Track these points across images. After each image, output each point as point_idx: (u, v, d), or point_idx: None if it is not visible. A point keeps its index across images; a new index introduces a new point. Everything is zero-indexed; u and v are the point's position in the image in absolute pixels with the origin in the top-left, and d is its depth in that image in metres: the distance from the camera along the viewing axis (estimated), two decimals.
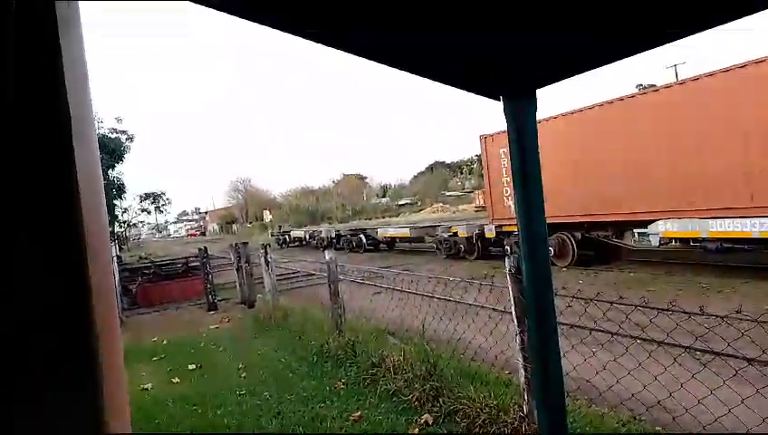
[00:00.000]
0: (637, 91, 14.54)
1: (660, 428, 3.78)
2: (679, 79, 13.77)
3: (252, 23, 0.88)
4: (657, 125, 10.11)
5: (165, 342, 8.23)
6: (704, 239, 9.58)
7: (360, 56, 1.10)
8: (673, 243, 10.37)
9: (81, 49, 0.63)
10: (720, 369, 4.17)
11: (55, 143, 0.56)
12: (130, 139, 19.99)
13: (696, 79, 9.63)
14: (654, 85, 15.37)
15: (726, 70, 8.92)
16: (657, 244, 10.46)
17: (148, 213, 25.87)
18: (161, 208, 25.72)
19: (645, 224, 10.57)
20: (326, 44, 1.02)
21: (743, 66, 8.72)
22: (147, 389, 5.85)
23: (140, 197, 24.07)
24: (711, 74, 9.22)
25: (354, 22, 0.97)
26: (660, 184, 10.05)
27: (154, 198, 24.51)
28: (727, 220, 8.98)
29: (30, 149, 0.55)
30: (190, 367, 6.59)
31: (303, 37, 0.97)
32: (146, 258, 18.97)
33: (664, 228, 10.09)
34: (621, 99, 11.21)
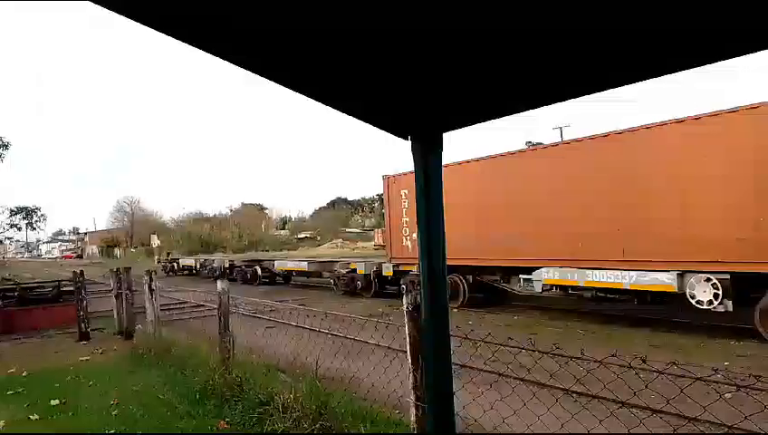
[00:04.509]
0: (526, 147, 15.74)
1: None
2: (563, 139, 15.11)
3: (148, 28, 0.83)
4: (542, 179, 10.94)
5: (24, 374, 7.32)
6: (581, 288, 10.38)
7: (270, 79, 1.07)
8: (554, 290, 11.11)
9: None
10: (596, 411, 4.46)
11: None
12: (5, 146, 18.17)
13: (578, 140, 10.62)
14: (541, 143, 16.74)
15: (605, 135, 9.93)
16: (540, 290, 11.17)
17: (19, 229, 23.31)
18: (35, 225, 23.33)
19: (530, 271, 11.27)
20: (236, 63, 0.97)
21: (609, 134, 9.85)
22: None
23: (11, 210, 21.65)
24: (591, 138, 10.21)
25: (266, 38, 0.94)
26: (544, 233, 10.81)
27: (27, 212, 22.16)
28: (602, 271, 9.82)
29: None
30: (53, 402, 5.88)
31: (213, 54, 0.92)
32: (10, 279, 16.98)
33: (546, 276, 10.82)
34: (513, 153, 12.06)
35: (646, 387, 3.84)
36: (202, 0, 0.79)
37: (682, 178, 8.72)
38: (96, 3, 0.69)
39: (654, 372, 4.91)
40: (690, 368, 4.86)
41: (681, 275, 8.77)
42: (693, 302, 8.59)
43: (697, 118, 8.56)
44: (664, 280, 8.92)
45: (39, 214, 22.74)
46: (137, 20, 0.78)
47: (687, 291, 8.66)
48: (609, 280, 9.72)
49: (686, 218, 8.64)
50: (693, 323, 9.38)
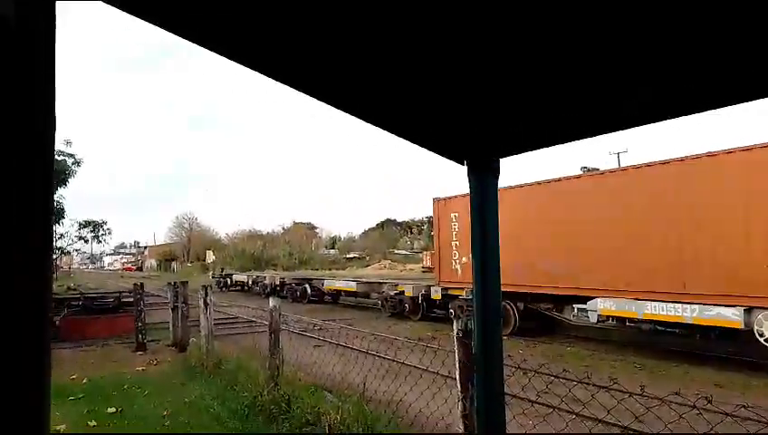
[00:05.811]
0: (582, 172, 15.37)
1: None
2: (621, 165, 14.67)
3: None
4: (598, 206, 10.61)
5: (85, 381, 7.66)
6: (639, 320, 9.92)
7: (334, 107, 1.10)
8: (610, 321, 10.66)
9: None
10: None
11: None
12: (77, 163, 19.36)
13: (636, 167, 10.27)
14: (597, 169, 16.30)
15: (665, 162, 9.55)
16: (596, 320, 10.73)
17: (86, 241, 24.71)
18: (100, 238, 24.64)
19: (584, 300, 10.88)
20: (299, 90, 1.01)
21: (671, 161, 9.44)
22: (58, 431, 5.37)
23: (80, 223, 23.01)
24: (650, 165, 9.86)
25: (332, 70, 0.98)
26: (600, 262, 10.44)
27: (94, 226, 23.48)
28: (662, 304, 9.36)
29: None
30: (110, 410, 6.13)
31: (274, 78, 0.96)
32: (75, 289, 17.91)
33: (602, 306, 10.41)
34: (569, 178, 11.77)
35: (711, 429, 3.61)
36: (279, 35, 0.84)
37: (748, 208, 8.26)
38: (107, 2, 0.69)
39: (720, 413, 4.62)
40: (760, 411, 4.56)
41: (748, 311, 8.25)
42: (761, 340, 8.05)
43: (765, 146, 8.13)
44: (729, 316, 8.41)
45: (105, 227, 24.04)
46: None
47: (755, 328, 8.13)
48: (669, 313, 9.25)
49: (753, 252, 8.14)
50: (761, 362, 8.78)
